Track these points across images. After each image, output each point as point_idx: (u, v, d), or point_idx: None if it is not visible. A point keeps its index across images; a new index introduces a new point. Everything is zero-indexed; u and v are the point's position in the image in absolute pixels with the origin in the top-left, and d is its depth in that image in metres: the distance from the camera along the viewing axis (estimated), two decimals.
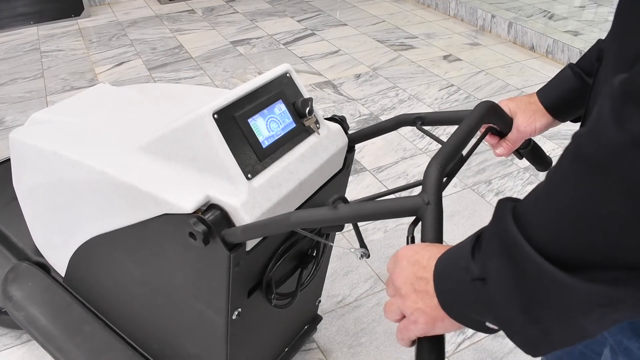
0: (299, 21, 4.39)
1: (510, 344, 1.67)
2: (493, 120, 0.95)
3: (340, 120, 1.13)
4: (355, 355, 1.63)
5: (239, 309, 1.05)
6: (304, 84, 3.28)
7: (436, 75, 3.43)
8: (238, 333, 1.11)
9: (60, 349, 1.44)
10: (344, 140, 1.12)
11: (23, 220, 1.51)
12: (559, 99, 0.96)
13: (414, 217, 0.68)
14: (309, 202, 1.07)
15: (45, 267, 1.56)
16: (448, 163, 0.74)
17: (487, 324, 0.54)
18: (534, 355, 0.52)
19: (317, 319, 1.61)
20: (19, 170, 1.41)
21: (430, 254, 0.58)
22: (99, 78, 3.41)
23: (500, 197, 0.86)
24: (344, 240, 2.07)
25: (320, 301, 1.56)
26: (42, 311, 1.49)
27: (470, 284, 0.51)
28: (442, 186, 0.70)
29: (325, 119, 1.12)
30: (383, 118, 2.91)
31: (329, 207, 0.73)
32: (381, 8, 4.71)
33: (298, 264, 1.20)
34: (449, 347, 1.66)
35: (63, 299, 1.50)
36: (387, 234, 2.09)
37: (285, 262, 1.12)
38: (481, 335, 1.70)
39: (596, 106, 0.42)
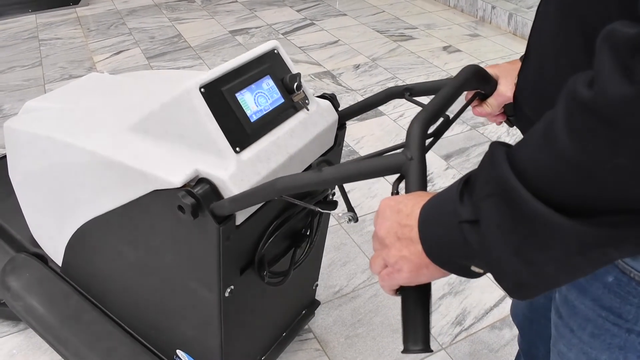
0: (298, 11, 4.37)
1: (507, 335, 1.67)
2: (478, 83, 0.95)
3: (331, 98, 1.13)
4: (352, 346, 1.64)
5: (232, 287, 1.05)
6: (303, 74, 3.27)
7: (436, 67, 3.42)
8: (232, 312, 1.12)
9: (58, 338, 1.45)
10: (334, 117, 1.13)
11: (21, 213, 1.52)
12: None
13: (398, 175, 0.68)
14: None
15: (42, 258, 1.56)
16: (431, 121, 0.74)
17: (473, 268, 0.54)
18: (521, 298, 0.52)
19: (314, 303, 1.61)
20: (14, 159, 1.41)
21: (413, 201, 0.58)
22: (97, 67, 3.39)
23: None
24: (340, 231, 2.07)
25: (317, 285, 1.56)
26: (39, 301, 1.50)
27: (458, 226, 0.51)
28: (424, 142, 0.70)
29: (316, 97, 1.12)
30: (382, 109, 2.90)
31: (314, 170, 0.73)
32: None
33: (291, 243, 1.20)
34: (445, 339, 1.67)
35: (60, 288, 1.50)
36: None
37: (278, 241, 1.12)
38: (478, 326, 1.70)
39: (595, 57, 0.42)
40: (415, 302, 0.59)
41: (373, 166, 0.69)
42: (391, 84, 3.18)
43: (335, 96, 1.14)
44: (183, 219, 0.91)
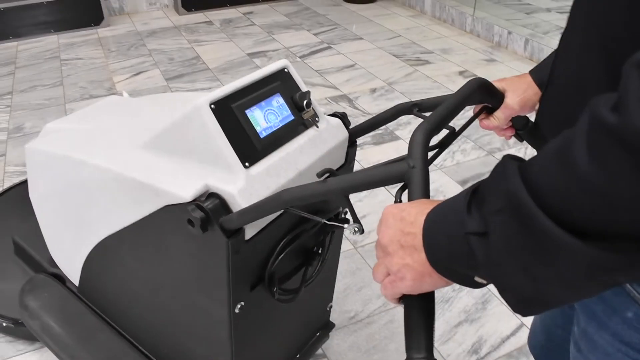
0: (315, 34, 4.41)
1: None
2: (484, 96, 0.95)
3: (341, 116, 1.15)
4: None
5: (242, 302, 1.05)
6: (320, 98, 3.29)
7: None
8: (243, 329, 1.12)
9: (73, 357, 1.45)
10: (344, 134, 1.13)
11: (40, 234, 1.54)
12: None
13: (401, 184, 0.68)
14: None
15: (60, 278, 1.59)
16: (433, 131, 0.74)
17: (476, 278, 0.54)
18: (523, 314, 0.52)
19: (329, 325, 1.60)
20: (33, 180, 1.44)
21: (417, 210, 0.58)
22: (117, 87, 3.44)
23: None
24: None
25: (331, 306, 1.55)
26: (56, 320, 1.51)
27: (464, 237, 0.51)
28: (427, 151, 0.70)
29: (327, 115, 1.14)
30: (398, 133, 2.91)
31: (319, 181, 0.75)
32: (397, 23, 4.73)
33: (303, 261, 1.21)
34: None
35: (77, 308, 1.51)
36: None
37: (289, 258, 1.13)
38: (494, 355, 1.68)
39: (623, 82, 0.41)
40: (419, 310, 0.58)
41: (376, 175, 0.70)
42: None
43: (346, 114, 1.15)
44: (193, 232, 0.92)
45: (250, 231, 0.97)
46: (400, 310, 1.83)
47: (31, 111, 3.16)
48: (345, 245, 2.10)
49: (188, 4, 4.85)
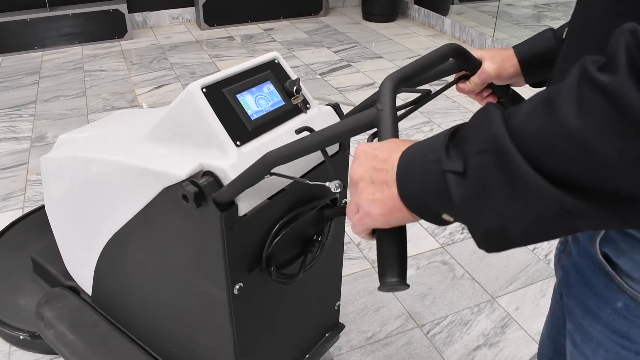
0: (335, 52, 4.44)
1: None
2: (460, 61, 0.97)
3: (334, 106, 1.18)
4: None
5: (241, 284, 1.07)
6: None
7: (471, 112, 3.42)
8: (243, 315, 1.12)
9: None
10: (335, 120, 1.15)
11: (57, 251, 1.58)
12: (534, 54, 0.98)
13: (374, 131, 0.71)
14: (307, 177, 1.10)
15: (75, 290, 1.62)
16: (403, 80, 0.77)
17: (444, 216, 0.56)
18: (488, 251, 0.54)
19: (339, 326, 1.57)
20: (47, 190, 1.48)
21: (390, 147, 0.60)
22: (138, 99, 3.48)
23: None
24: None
25: (339, 305, 1.53)
26: (69, 328, 1.54)
27: (441, 175, 0.53)
28: (395, 96, 0.72)
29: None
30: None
31: (297, 139, 0.79)
32: (417, 42, 4.74)
33: (303, 249, 1.22)
34: None
35: (90, 316, 1.54)
36: (419, 271, 2.07)
37: (288, 244, 1.15)
38: None
39: (620, 49, 0.42)
40: (391, 241, 0.61)
41: (348, 124, 0.73)
42: (426, 128, 3.19)
43: (339, 105, 1.18)
44: (187, 208, 0.96)
45: (243, 206, 0.99)
46: (418, 332, 1.81)
47: (54, 121, 3.21)
48: (362, 265, 2.09)
49: (210, 19, 4.92)
